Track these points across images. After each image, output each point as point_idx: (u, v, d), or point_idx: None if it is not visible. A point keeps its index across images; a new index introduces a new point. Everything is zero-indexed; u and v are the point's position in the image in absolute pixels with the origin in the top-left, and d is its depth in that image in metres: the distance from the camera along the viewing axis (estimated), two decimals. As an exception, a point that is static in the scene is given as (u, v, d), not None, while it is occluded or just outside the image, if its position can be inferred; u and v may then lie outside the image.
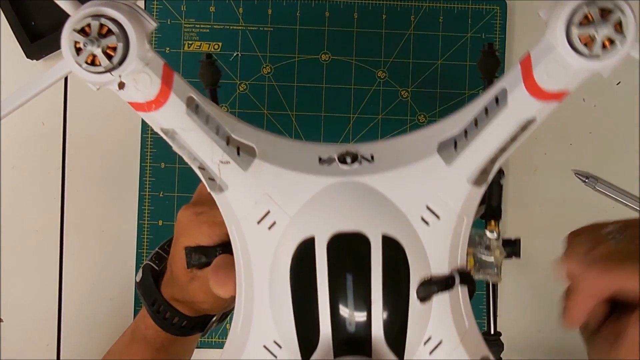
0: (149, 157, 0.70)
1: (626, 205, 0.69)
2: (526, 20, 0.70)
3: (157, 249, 0.55)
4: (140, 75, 0.38)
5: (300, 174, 0.40)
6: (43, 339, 0.69)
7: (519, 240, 0.49)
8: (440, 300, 0.40)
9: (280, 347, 0.40)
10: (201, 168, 0.40)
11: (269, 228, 0.40)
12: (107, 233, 0.70)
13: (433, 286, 0.40)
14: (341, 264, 0.38)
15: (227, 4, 0.70)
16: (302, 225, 0.39)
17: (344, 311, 0.39)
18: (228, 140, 0.40)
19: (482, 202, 0.44)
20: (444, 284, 0.40)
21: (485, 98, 0.40)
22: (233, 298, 0.43)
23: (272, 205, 0.40)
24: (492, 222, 0.48)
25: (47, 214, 0.70)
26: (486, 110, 0.39)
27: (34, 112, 0.69)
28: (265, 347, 0.41)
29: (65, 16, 0.38)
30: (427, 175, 0.40)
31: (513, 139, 0.40)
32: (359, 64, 0.71)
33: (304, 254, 0.39)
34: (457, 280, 0.40)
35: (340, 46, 0.71)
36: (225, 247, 0.47)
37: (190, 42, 0.70)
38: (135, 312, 0.69)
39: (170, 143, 0.40)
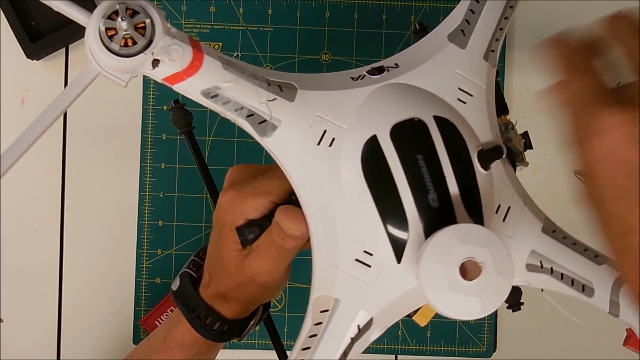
0: (149, 157, 0.70)
1: (626, 205, 0.69)
2: (526, 20, 0.70)
3: (192, 257, 0.54)
4: (172, 48, 0.40)
5: (342, 91, 0.43)
6: (43, 339, 0.69)
7: (527, 132, 0.54)
8: (497, 169, 0.44)
9: (371, 254, 0.42)
10: (250, 115, 0.42)
11: (330, 145, 0.42)
12: (107, 233, 0.70)
13: (488, 153, 0.43)
14: (409, 148, 0.42)
15: (227, 4, 0.70)
16: (361, 129, 0.42)
17: (425, 190, 0.41)
18: (268, 83, 0.42)
19: None
20: (496, 151, 0.43)
21: None
22: (296, 247, 0.44)
23: (326, 124, 0.42)
24: (502, 117, 0.54)
25: (47, 214, 0.70)
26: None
27: (34, 113, 0.69)
28: (357, 260, 0.42)
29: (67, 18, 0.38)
30: (450, 62, 0.45)
31: (506, 17, 0.47)
32: (359, 64, 0.70)
33: (371, 153, 0.42)
34: (505, 150, 0.44)
35: (340, 46, 0.71)
36: (273, 214, 0.47)
37: (190, 42, 0.70)
38: (136, 312, 0.69)
39: (213, 105, 0.42)
